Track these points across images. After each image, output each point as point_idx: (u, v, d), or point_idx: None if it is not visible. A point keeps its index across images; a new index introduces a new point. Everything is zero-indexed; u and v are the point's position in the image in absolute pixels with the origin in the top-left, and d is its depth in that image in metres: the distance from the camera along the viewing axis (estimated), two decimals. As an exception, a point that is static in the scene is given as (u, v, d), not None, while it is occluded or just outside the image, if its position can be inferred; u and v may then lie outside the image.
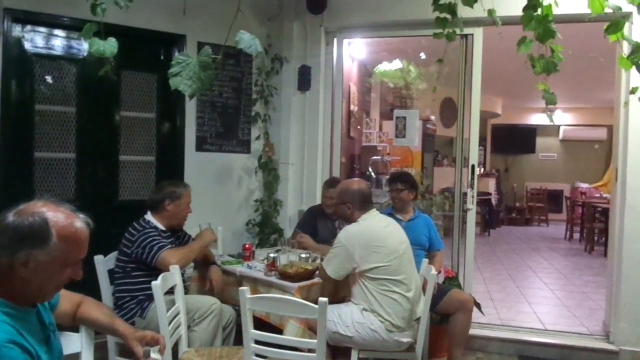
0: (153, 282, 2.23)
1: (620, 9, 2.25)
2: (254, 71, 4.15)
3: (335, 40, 4.23)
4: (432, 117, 8.00)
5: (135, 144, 3.77)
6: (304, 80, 4.10)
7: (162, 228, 2.85)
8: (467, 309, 3.13)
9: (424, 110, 7.35)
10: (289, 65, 4.14)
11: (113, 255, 2.83)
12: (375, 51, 6.44)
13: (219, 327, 2.70)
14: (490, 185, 10.80)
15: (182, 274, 2.87)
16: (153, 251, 2.66)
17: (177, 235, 2.99)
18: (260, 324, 2.60)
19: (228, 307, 2.85)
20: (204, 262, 3.03)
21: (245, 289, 2.08)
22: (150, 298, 2.45)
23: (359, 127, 6.48)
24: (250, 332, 2.10)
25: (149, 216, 2.86)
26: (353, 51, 6.29)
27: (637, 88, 2.74)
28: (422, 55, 5.99)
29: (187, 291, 3.00)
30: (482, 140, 11.90)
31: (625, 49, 2.48)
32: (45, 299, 1.40)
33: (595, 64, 4.09)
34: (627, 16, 3.18)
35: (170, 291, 2.50)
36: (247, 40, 1.35)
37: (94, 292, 2.50)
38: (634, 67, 2.42)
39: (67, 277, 1.34)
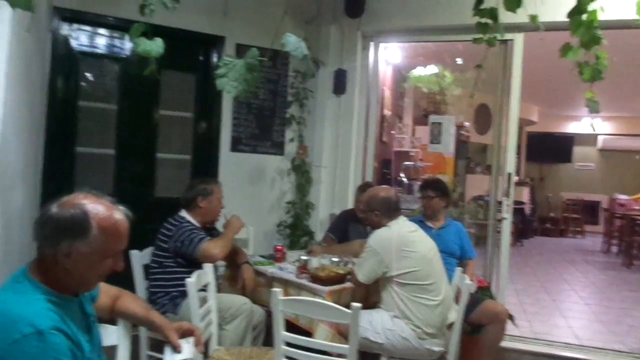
0: (187, 280, 2.26)
1: (671, 15, 2.15)
2: (290, 73, 4.17)
3: (371, 44, 4.22)
4: (467, 124, 7.88)
5: (172, 142, 3.84)
6: (340, 83, 4.10)
7: (197, 224, 2.89)
8: (500, 321, 3.06)
9: (458, 116, 7.25)
10: (325, 69, 4.15)
11: (148, 250, 2.89)
12: (410, 56, 6.39)
13: (249, 327, 2.72)
14: (524, 194, 10.56)
15: (216, 272, 2.92)
16: (194, 242, 2.71)
17: (210, 233, 3.03)
18: (289, 326, 2.61)
19: (258, 307, 2.87)
20: (236, 262, 3.05)
21: (278, 291, 2.08)
22: (184, 294, 2.49)
23: (391, 132, 6.43)
24: (282, 333, 2.10)
25: (183, 213, 2.91)
26: (388, 55, 6.25)
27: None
28: (459, 61, 5.92)
29: (219, 290, 3.04)
30: (516, 148, 11.62)
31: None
32: (88, 288, 1.44)
33: (638, 71, 3.96)
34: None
35: (204, 289, 2.54)
36: (294, 43, 1.36)
37: (129, 286, 2.55)
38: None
39: (109, 268, 1.37)
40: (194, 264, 2.67)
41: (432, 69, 6.39)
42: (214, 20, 3.77)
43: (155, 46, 1.72)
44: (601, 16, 2.23)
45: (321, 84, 4.17)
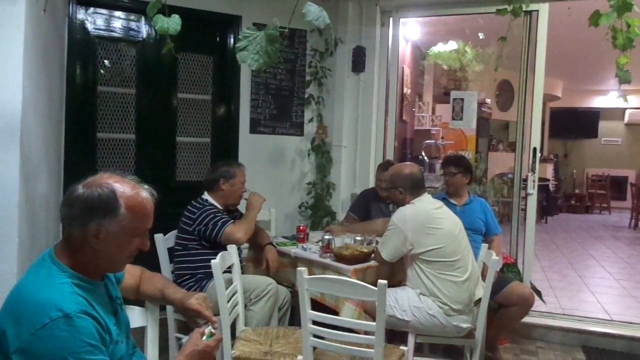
0: (212, 261, 2.25)
1: None
2: (309, 52, 4.10)
3: (390, 20, 4.13)
4: (488, 100, 7.72)
5: (191, 125, 3.83)
6: (359, 61, 4.02)
7: (220, 207, 2.89)
8: (527, 304, 3.07)
9: (479, 93, 7.09)
10: (343, 47, 4.08)
11: (172, 234, 2.90)
12: (430, 32, 6.24)
13: (275, 307, 2.72)
14: (548, 171, 10.36)
15: (239, 254, 2.92)
16: (217, 227, 2.72)
17: (233, 215, 3.03)
18: (315, 305, 2.61)
19: (283, 288, 2.87)
20: (259, 243, 3.05)
21: (303, 269, 2.06)
22: (209, 276, 2.49)
23: (413, 109, 6.33)
24: (308, 312, 2.08)
25: (206, 196, 2.91)
26: (407, 32, 6.11)
27: None
28: (481, 35, 5.75)
29: (243, 271, 3.04)
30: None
31: None
32: (117, 269, 1.43)
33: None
34: None
35: (228, 270, 2.54)
36: (315, 12, 1.31)
37: (155, 269, 2.57)
38: None
39: (136, 248, 1.36)
40: (219, 246, 2.67)
41: (452, 45, 6.24)
42: (229, 0, 3.72)
43: (173, 23, 1.69)
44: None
45: (339, 62, 4.10)
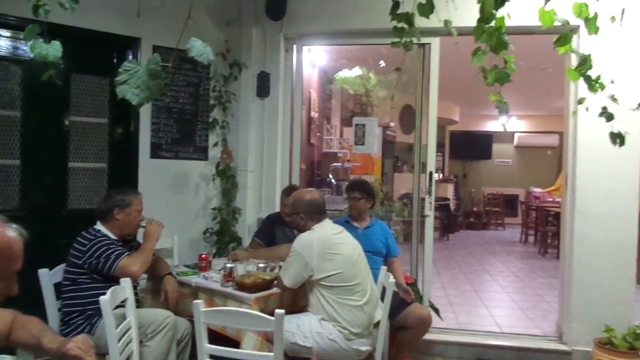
0: (101, 297, 2.12)
1: (568, 22, 2.31)
2: (212, 76, 4.07)
3: (294, 46, 4.21)
4: (392, 124, 8.08)
5: (86, 150, 3.62)
6: (263, 86, 4.05)
7: (114, 237, 2.74)
8: (425, 325, 3.19)
9: (384, 117, 7.41)
10: (247, 71, 4.09)
11: (61, 267, 2.70)
12: (335, 58, 6.46)
13: (173, 341, 2.61)
14: (449, 190, 11.02)
15: (136, 287, 2.78)
16: (111, 260, 2.58)
17: (130, 245, 2.89)
18: (217, 336, 2.54)
19: (183, 320, 2.77)
20: (158, 274, 2.93)
21: (199, 302, 2.01)
22: (100, 313, 2.33)
23: (318, 134, 6.47)
24: (205, 346, 2.03)
25: (98, 225, 2.76)
26: (313, 58, 6.28)
27: (584, 99, 2.83)
28: (382, 63, 6.04)
29: (141, 304, 2.90)
30: (440, 147, 12.15)
31: (574, 61, 2.56)
32: None
33: (548, 73, 4.22)
34: (575, 29, 3.29)
35: (122, 305, 2.40)
36: (199, 48, 1.30)
37: (39, 308, 2.38)
38: (581, 79, 2.50)
39: (1, 293, 1.25)
40: (111, 279, 2.53)
41: (357, 71, 6.49)
42: (128, 22, 3.59)
43: (53, 50, 1.60)
44: (508, 22, 2.35)
45: (244, 86, 4.10)
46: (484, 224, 11.63)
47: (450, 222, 10.06)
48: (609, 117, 2.50)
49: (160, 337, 2.52)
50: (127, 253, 2.67)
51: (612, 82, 2.54)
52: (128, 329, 2.34)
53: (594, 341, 3.44)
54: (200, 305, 2.01)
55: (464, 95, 8.97)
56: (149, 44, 3.71)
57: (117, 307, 2.38)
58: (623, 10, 2.22)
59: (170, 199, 3.90)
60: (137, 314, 2.49)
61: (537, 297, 5.28)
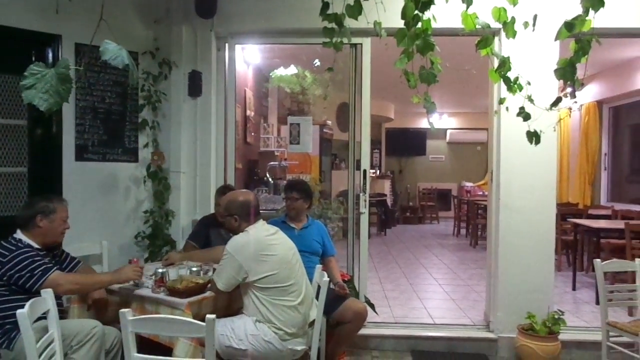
0: (18, 311, 2.00)
1: (488, 26, 2.42)
2: (141, 75, 3.93)
3: (226, 45, 4.14)
4: (329, 122, 8.16)
5: (2, 153, 3.39)
6: (195, 85, 3.96)
7: (37, 246, 2.59)
8: (361, 319, 3.26)
9: (321, 115, 7.46)
10: (178, 70, 3.98)
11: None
12: (270, 56, 6.43)
13: (102, 351, 2.51)
14: (386, 186, 11.29)
15: (60, 297, 2.64)
16: (36, 277, 2.43)
17: (53, 254, 2.74)
18: (151, 343, 2.47)
19: (112, 329, 2.66)
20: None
21: (125, 311, 1.94)
22: (18, 327, 2.21)
23: (253, 133, 6.42)
24: (134, 356, 1.96)
25: (19, 234, 2.60)
26: (248, 56, 6.22)
27: (504, 99, 2.99)
28: (317, 62, 6.08)
29: (67, 315, 2.77)
30: (377, 144, 12.41)
31: (496, 63, 2.69)
32: None
33: (477, 72, 4.39)
34: (497, 33, 3.47)
35: (44, 317, 2.28)
36: (113, 51, 1.25)
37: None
38: (501, 80, 2.63)
39: None
40: (33, 292, 2.39)
41: (292, 70, 6.49)
42: (46, 18, 3.40)
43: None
44: (434, 24, 2.43)
45: (175, 86, 3.99)
46: (420, 218, 12.01)
47: (388, 217, 10.31)
48: (526, 117, 2.65)
49: (87, 348, 2.42)
50: (54, 268, 2.53)
51: (529, 83, 2.70)
52: (51, 342, 2.23)
53: (517, 327, 3.65)
54: (127, 314, 1.94)
55: (398, 93, 9.20)
56: (71, 42, 3.53)
57: (39, 318, 2.27)
58: (535, 16, 2.35)
59: (99, 203, 3.74)
60: (62, 325, 2.37)
61: (468, 287, 5.52)
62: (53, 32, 3.46)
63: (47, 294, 2.29)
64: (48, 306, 2.27)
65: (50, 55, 3.52)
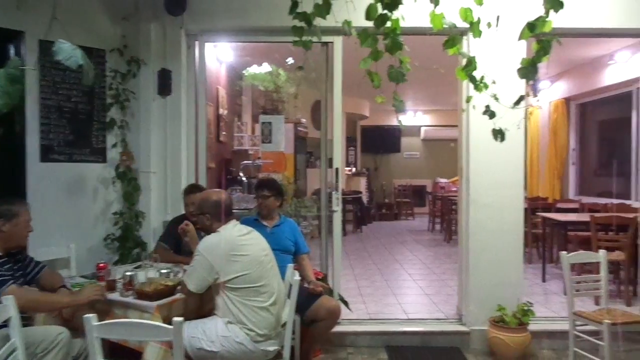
0: (-24, 319, 1.94)
1: (455, 25, 2.45)
2: (109, 73, 3.85)
3: (197, 43, 4.09)
4: (303, 120, 8.15)
5: (-38, 155, 3.29)
6: (165, 84, 3.89)
7: (-2, 252, 2.52)
8: (334, 316, 3.27)
9: (295, 113, 7.44)
10: (147, 68, 3.91)
11: None
12: (244, 54, 6.38)
13: (68, 358, 2.45)
14: (362, 183, 11.34)
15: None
16: None
17: (16, 259, 2.67)
18: (120, 348, 2.43)
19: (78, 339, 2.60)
20: (50, 287, 2.72)
21: (90, 316, 1.90)
22: (-21, 335, 2.15)
23: (225, 132, 6.36)
24: (99, 362, 1.92)
25: (-21, 240, 2.52)
26: (221, 54, 6.16)
27: (471, 97, 3.02)
28: (290, 60, 6.05)
29: (32, 322, 2.69)
30: (352, 141, 12.45)
31: (464, 62, 2.72)
32: None
33: (449, 71, 4.44)
34: (465, 32, 3.50)
35: (5, 324, 2.22)
36: (67, 51, 1.21)
37: None
38: (468, 78, 2.66)
39: None
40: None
41: (266, 68, 6.45)
42: (7, 13, 3.30)
43: None
44: (403, 24, 2.44)
45: (144, 84, 3.92)
46: (395, 215, 12.10)
47: (363, 214, 10.36)
48: (492, 115, 2.68)
49: (52, 356, 2.35)
50: (11, 282, 2.44)
51: (494, 82, 2.73)
52: (13, 351, 2.17)
53: (488, 320, 3.71)
54: (92, 319, 1.90)
55: (373, 91, 9.21)
56: (34, 38, 3.42)
57: (1, 327, 2.20)
58: (498, 17, 2.39)
59: (65, 205, 3.66)
60: (26, 333, 2.31)
61: (441, 282, 5.59)
62: (16, 28, 3.36)
63: (8, 301, 2.22)
64: (9, 313, 2.20)
65: (13, 52, 3.41)
